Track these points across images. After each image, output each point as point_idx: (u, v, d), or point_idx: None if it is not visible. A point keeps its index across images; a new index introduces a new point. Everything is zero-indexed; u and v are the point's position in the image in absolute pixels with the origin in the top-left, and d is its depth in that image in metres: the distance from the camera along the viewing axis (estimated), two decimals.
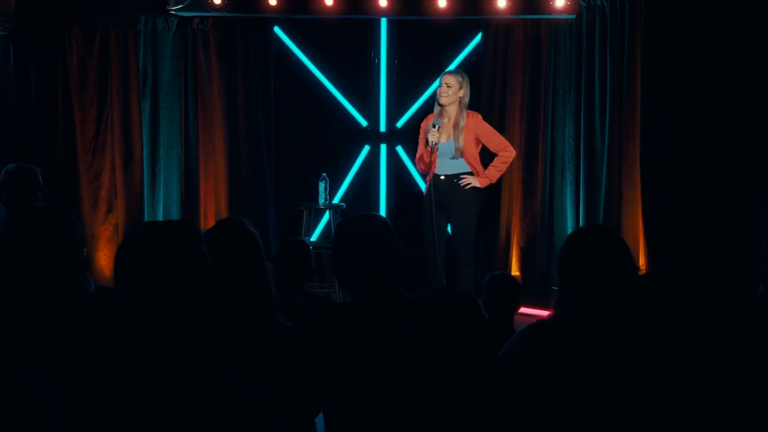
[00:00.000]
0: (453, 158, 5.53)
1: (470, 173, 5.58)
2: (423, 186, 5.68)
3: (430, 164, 5.50)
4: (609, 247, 2.26)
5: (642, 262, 5.95)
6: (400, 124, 6.88)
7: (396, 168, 6.90)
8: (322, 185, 6.38)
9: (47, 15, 6.40)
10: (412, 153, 6.15)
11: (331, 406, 2.42)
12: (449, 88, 5.50)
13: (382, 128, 6.89)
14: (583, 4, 6.26)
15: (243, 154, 6.70)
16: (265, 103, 6.73)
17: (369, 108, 6.92)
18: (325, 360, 2.34)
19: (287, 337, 2.30)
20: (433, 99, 5.83)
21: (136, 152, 6.62)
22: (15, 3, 6.23)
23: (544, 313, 5.39)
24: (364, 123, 6.94)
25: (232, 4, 6.45)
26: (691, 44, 5.76)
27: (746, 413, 1.99)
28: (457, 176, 5.56)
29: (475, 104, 6.58)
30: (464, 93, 5.55)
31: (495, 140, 5.67)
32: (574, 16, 6.31)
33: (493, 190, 6.48)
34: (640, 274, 2.32)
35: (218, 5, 6.42)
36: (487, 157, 5.73)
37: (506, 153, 5.66)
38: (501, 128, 6.57)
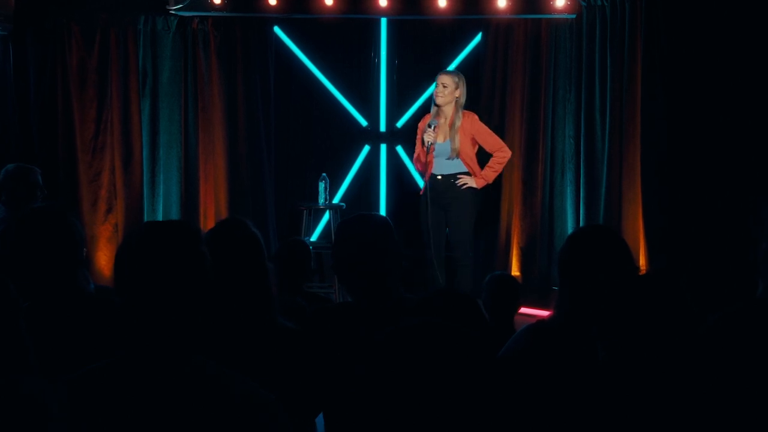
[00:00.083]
0: (449, 159, 5.54)
1: (467, 173, 5.58)
2: (422, 185, 5.68)
3: (427, 164, 5.51)
4: (609, 247, 2.26)
5: (642, 262, 5.95)
6: (400, 124, 6.88)
7: (396, 168, 6.90)
8: (322, 185, 6.37)
9: (47, 15, 6.40)
10: (411, 153, 6.15)
11: (331, 406, 2.42)
12: (445, 89, 5.51)
13: (382, 128, 6.89)
14: (584, 3, 6.26)
15: (243, 153, 6.70)
16: (264, 103, 6.73)
17: (369, 108, 6.92)
18: (325, 360, 2.34)
19: (287, 337, 2.30)
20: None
21: (136, 152, 6.62)
22: (14, 3, 6.23)
23: (545, 313, 5.38)
24: (364, 123, 6.94)
25: (232, 3, 6.45)
26: (691, 44, 5.76)
27: (746, 413, 1.99)
28: (454, 176, 5.57)
29: (475, 104, 6.59)
30: (460, 93, 5.56)
31: (491, 140, 5.68)
32: (574, 16, 6.30)
33: (493, 189, 6.48)
34: (640, 274, 2.32)
35: (218, 5, 6.41)
36: (484, 157, 5.74)
37: (502, 153, 5.67)
38: (501, 128, 6.57)
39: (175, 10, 6.40)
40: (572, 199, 6.38)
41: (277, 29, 6.79)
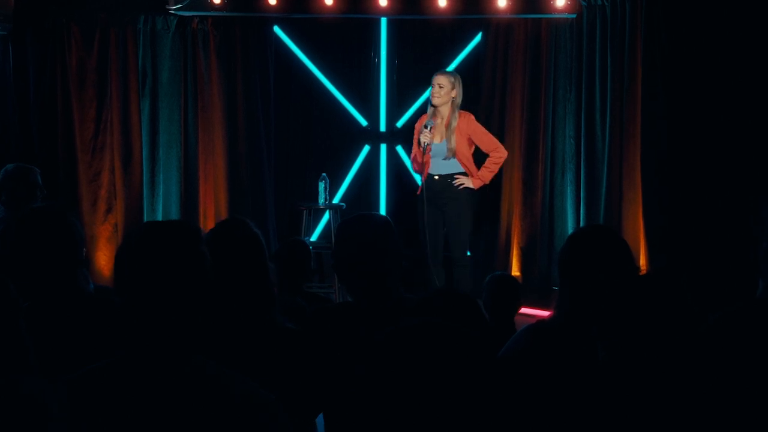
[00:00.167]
0: (445, 159, 5.55)
1: (464, 173, 5.58)
2: (420, 185, 5.69)
3: (423, 165, 5.52)
4: (610, 248, 2.26)
5: (643, 261, 5.95)
6: (400, 123, 6.87)
7: (396, 168, 6.90)
8: (321, 185, 6.37)
9: (46, 14, 6.39)
10: (410, 153, 6.15)
11: (331, 406, 2.41)
12: (441, 89, 5.53)
13: (382, 128, 6.89)
14: (584, 3, 6.26)
15: (242, 153, 6.70)
16: (264, 103, 6.73)
17: (369, 108, 6.92)
18: (325, 360, 2.34)
19: (287, 337, 2.29)
20: None
21: (136, 152, 6.62)
22: (14, 2, 6.22)
23: (545, 313, 5.38)
24: (364, 123, 6.94)
25: (232, 3, 6.45)
26: (692, 43, 5.76)
27: (746, 413, 1.99)
28: (451, 176, 5.58)
29: (475, 104, 6.59)
30: (456, 93, 5.57)
31: (487, 140, 5.68)
32: (574, 16, 6.30)
33: (494, 189, 6.49)
34: (640, 274, 2.32)
35: (218, 5, 6.41)
36: (480, 157, 5.73)
37: (498, 153, 5.67)
38: (501, 128, 6.58)
39: (174, 9, 6.40)
40: (572, 199, 6.38)
41: (276, 29, 6.79)
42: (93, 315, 2.28)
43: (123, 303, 1.63)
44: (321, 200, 6.39)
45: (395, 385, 1.30)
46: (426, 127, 5.49)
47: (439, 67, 6.22)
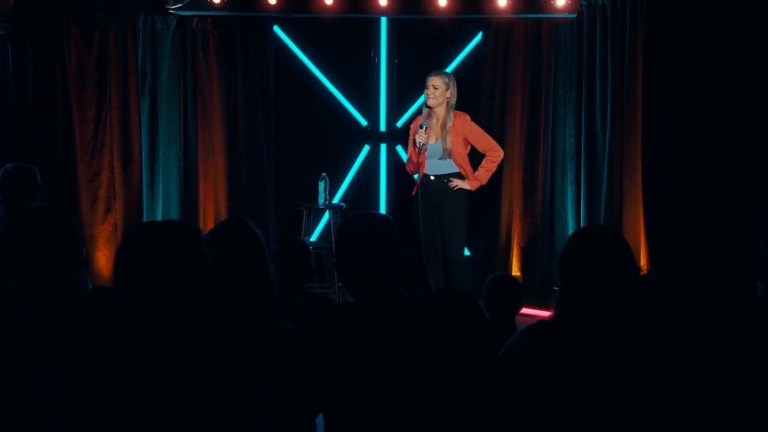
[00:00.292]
0: (441, 159, 5.56)
1: (458, 174, 5.58)
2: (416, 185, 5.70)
3: (419, 165, 5.53)
4: (610, 248, 2.26)
5: (643, 261, 5.95)
6: (400, 123, 6.87)
7: (396, 168, 6.90)
8: (321, 185, 6.37)
9: (46, 14, 6.39)
10: None
11: (331, 406, 2.41)
12: (436, 90, 5.54)
13: (382, 128, 6.89)
14: (584, 3, 6.26)
15: (242, 153, 6.70)
16: (264, 103, 6.73)
17: (369, 107, 6.91)
18: (325, 360, 2.34)
19: (287, 337, 2.29)
20: None
21: (135, 152, 6.61)
22: (13, 2, 6.22)
23: (545, 313, 5.38)
24: (364, 122, 6.94)
25: (232, 3, 6.45)
26: (692, 43, 5.76)
27: (746, 413, 1.99)
28: (447, 176, 5.58)
29: (475, 104, 6.60)
30: (451, 93, 5.58)
31: (483, 140, 5.68)
32: (575, 15, 6.30)
33: (494, 189, 6.49)
34: (641, 274, 2.32)
35: (217, 4, 6.41)
36: (476, 158, 5.73)
37: (494, 153, 5.67)
38: (501, 128, 6.58)
39: (174, 9, 6.39)
40: (573, 199, 6.37)
41: (276, 28, 6.79)
42: (93, 315, 2.28)
43: (122, 303, 1.62)
44: (321, 200, 6.38)
45: (395, 385, 1.30)
46: (421, 127, 5.51)
47: (440, 67, 6.22)
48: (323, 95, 6.90)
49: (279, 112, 6.86)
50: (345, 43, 6.94)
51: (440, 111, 5.59)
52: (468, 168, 5.63)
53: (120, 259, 1.64)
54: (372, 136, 6.92)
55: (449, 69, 6.57)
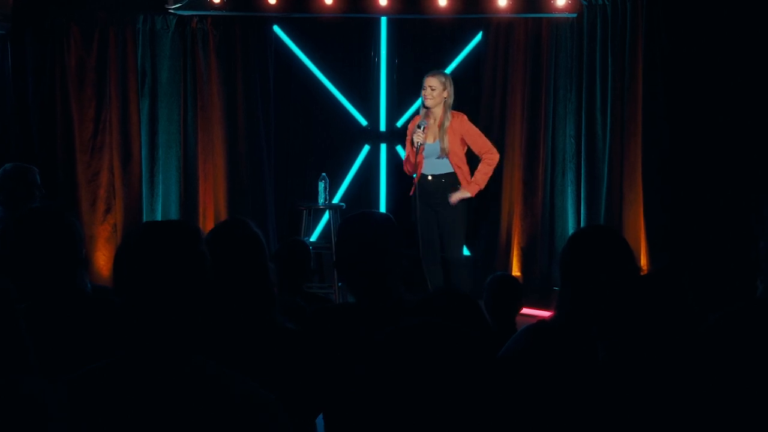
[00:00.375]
0: (438, 158, 5.56)
1: (454, 174, 5.57)
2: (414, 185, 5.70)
3: (416, 165, 5.54)
4: (611, 248, 2.26)
5: (644, 261, 5.95)
6: (400, 123, 6.86)
7: (396, 168, 6.89)
8: (321, 185, 6.36)
9: (45, 14, 6.39)
10: None
11: (331, 406, 2.41)
12: (433, 91, 5.55)
13: (382, 128, 6.88)
14: (585, 2, 6.26)
15: (242, 153, 6.69)
16: (264, 103, 6.72)
17: (369, 107, 6.91)
18: (325, 360, 2.33)
19: (287, 337, 2.29)
20: None
21: (135, 152, 6.61)
22: (13, 1, 6.22)
23: (546, 313, 5.38)
24: (364, 122, 6.93)
25: (232, 2, 6.44)
26: (692, 42, 5.76)
27: (747, 413, 1.99)
28: (445, 176, 5.58)
29: (475, 103, 6.60)
30: (448, 93, 5.59)
31: (480, 142, 5.68)
32: (575, 15, 6.30)
33: (494, 189, 6.49)
34: (641, 274, 2.31)
35: (217, 4, 6.41)
36: (472, 160, 5.73)
37: (490, 156, 5.67)
38: (502, 127, 6.57)
39: (174, 9, 6.39)
40: (573, 199, 6.37)
41: (276, 28, 6.78)
42: (93, 315, 2.27)
43: (122, 303, 1.62)
44: (321, 200, 6.38)
45: (395, 385, 1.30)
46: (419, 127, 5.52)
47: (440, 67, 6.22)
48: (323, 95, 6.89)
49: (279, 111, 6.85)
50: (345, 43, 6.93)
51: (438, 111, 5.60)
52: (465, 168, 5.62)
53: (120, 259, 1.64)
54: (372, 136, 6.91)
55: (449, 69, 6.58)
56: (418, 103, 6.73)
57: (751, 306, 2.17)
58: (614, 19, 6.11)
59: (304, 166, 6.94)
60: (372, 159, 6.92)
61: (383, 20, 6.75)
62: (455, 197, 5.56)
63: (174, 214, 6.57)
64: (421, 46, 6.87)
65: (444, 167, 5.61)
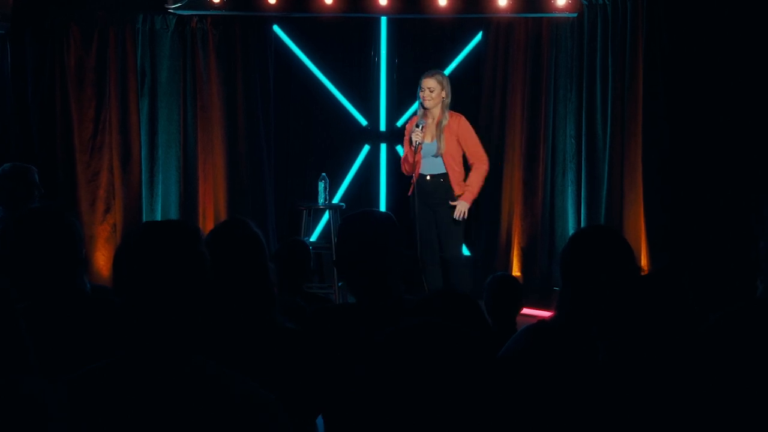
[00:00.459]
0: (434, 156, 5.55)
1: (446, 175, 5.56)
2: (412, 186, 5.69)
3: (414, 164, 5.54)
4: (611, 248, 2.25)
5: (644, 261, 5.94)
6: (400, 123, 6.86)
7: (396, 168, 6.87)
8: (321, 185, 6.36)
9: (45, 14, 6.39)
10: None
11: (331, 406, 2.41)
12: (431, 92, 5.55)
13: (382, 127, 6.88)
14: (585, 2, 6.26)
15: (242, 153, 6.69)
16: (264, 102, 6.72)
17: (369, 107, 6.91)
18: (325, 360, 2.33)
19: (287, 337, 2.29)
20: None
21: (135, 152, 6.61)
22: (13, 1, 6.22)
23: (546, 313, 5.38)
24: (364, 122, 6.93)
25: (231, 2, 6.44)
26: (693, 42, 5.76)
27: (747, 413, 1.98)
28: (444, 176, 5.57)
29: (475, 103, 6.60)
30: (446, 93, 5.60)
31: (473, 149, 5.66)
32: (575, 15, 6.30)
33: (494, 189, 6.49)
34: (642, 274, 2.31)
35: (217, 4, 6.41)
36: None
37: (480, 165, 5.65)
38: (502, 127, 6.57)
39: (173, 8, 6.39)
40: (573, 199, 6.37)
41: (276, 28, 6.78)
42: (93, 315, 2.27)
43: (122, 303, 1.62)
44: (321, 200, 6.38)
45: (395, 385, 1.30)
46: (417, 126, 5.51)
47: (440, 67, 6.23)
48: (323, 95, 6.89)
49: (279, 111, 6.85)
50: (345, 43, 6.93)
51: (436, 111, 5.61)
52: (458, 170, 5.61)
53: (119, 259, 1.64)
54: (372, 135, 6.91)
55: (449, 69, 6.58)
56: (418, 103, 6.75)
57: (751, 306, 2.17)
58: (614, 18, 6.11)
59: (304, 166, 6.94)
60: (372, 159, 6.92)
61: (383, 20, 6.75)
62: (458, 213, 5.53)
63: (174, 214, 6.57)
64: (421, 45, 6.87)
65: (443, 167, 5.61)
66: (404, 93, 6.82)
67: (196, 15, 6.52)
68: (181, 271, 1.61)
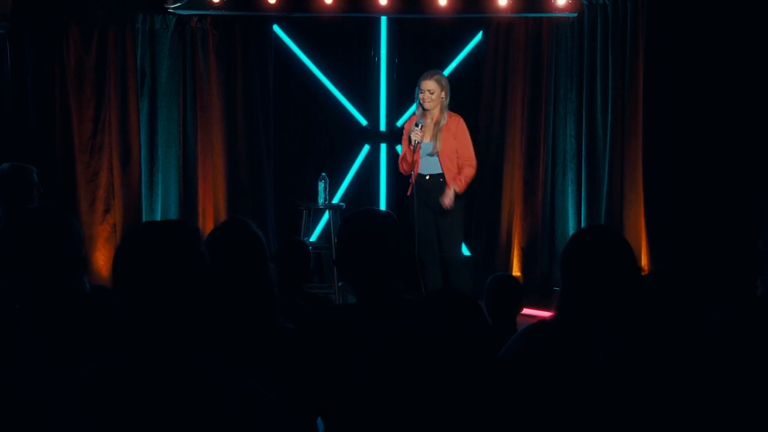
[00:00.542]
0: (430, 154, 5.56)
1: (442, 175, 5.56)
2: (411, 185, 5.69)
3: (413, 164, 5.55)
4: (612, 248, 2.25)
5: (644, 260, 5.94)
6: (400, 123, 6.86)
7: (396, 167, 6.88)
8: (321, 185, 6.36)
9: (45, 13, 6.38)
10: None
11: (331, 406, 2.41)
12: (431, 94, 5.57)
13: (382, 127, 6.88)
14: (585, 2, 6.25)
15: (242, 153, 6.69)
16: (264, 102, 6.72)
17: (369, 107, 6.91)
18: (325, 360, 2.33)
19: (287, 337, 2.29)
20: None
21: (134, 152, 6.61)
22: (12, 1, 6.22)
23: (546, 314, 5.38)
24: (363, 122, 6.93)
25: (231, 2, 6.44)
26: (693, 42, 5.76)
27: (747, 413, 1.98)
28: (443, 175, 5.58)
29: (475, 103, 6.60)
30: (445, 94, 5.60)
31: (464, 150, 5.67)
32: (575, 15, 6.30)
33: (494, 189, 6.49)
34: (642, 274, 2.31)
35: (217, 3, 6.41)
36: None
37: (468, 169, 5.66)
38: (502, 127, 6.57)
39: (173, 8, 6.39)
40: (574, 199, 6.37)
41: (276, 28, 6.78)
42: (93, 315, 2.27)
43: (122, 303, 1.62)
44: (320, 200, 6.38)
45: (395, 385, 1.30)
46: (417, 125, 5.52)
47: (440, 67, 6.23)
48: (323, 95, 6.89)
49: (279, 111, 6.85)
50: (345, 43, 6.93)
51: (435, 112, 5.62)
52: (454, 170, 5.62)
53: (119, 259, 1.64)
54: (372, 135, 6.91)
55: (449, 69, 6.58)
56: (415, 105, 6.76)
57: (751, 306, 2.17)
58: (615, 18, 6.10)
59: (303, 166, 6.94)
60: (372, 159, 6.92)
61: (383, 20, 6.75)
62: (448, 199, 5.54)
63: (173, 214, 6.57)
64: (421, 45, 6.87)
65: (440, 166, 5.61)
66: (404, 93, 6.81)
67: (195, 15, 6.52)
68: (180, 272, 1.61)
